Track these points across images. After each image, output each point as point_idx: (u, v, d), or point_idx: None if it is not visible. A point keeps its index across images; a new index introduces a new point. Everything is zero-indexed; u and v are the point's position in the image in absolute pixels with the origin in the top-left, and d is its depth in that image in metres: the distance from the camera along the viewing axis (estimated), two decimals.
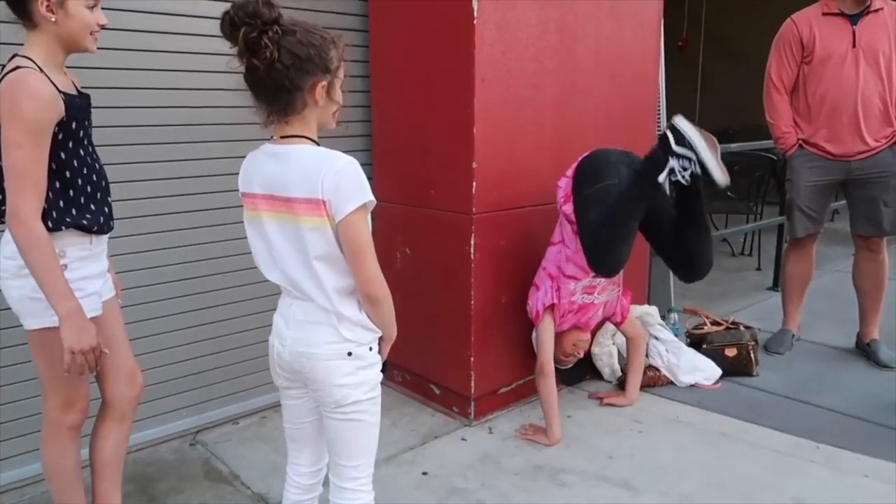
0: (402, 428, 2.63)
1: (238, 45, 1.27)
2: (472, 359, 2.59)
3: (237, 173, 1.44)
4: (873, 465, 2.31)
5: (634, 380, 2.78)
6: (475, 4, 2.34)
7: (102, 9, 1.59)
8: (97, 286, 1.67)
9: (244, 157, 1.45)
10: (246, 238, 1.47)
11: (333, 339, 1.41)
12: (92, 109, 1.68)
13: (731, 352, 3.05)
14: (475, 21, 2.35)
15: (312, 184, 1.31)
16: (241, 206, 1.45)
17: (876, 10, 2.99)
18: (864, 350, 3.27)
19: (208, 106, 2.44)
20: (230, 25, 1.27)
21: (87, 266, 1.64)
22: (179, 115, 2.40)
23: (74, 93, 1.61)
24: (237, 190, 1.44)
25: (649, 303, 3.31)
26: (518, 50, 2.50)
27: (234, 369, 2.68)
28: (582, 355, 2.71)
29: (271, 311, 2.73)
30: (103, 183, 1.68)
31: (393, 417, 2.71)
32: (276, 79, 1.29)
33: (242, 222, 1.47)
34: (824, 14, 3.04)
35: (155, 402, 2.48)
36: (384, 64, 2.80)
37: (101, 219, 1.65)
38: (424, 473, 2.29)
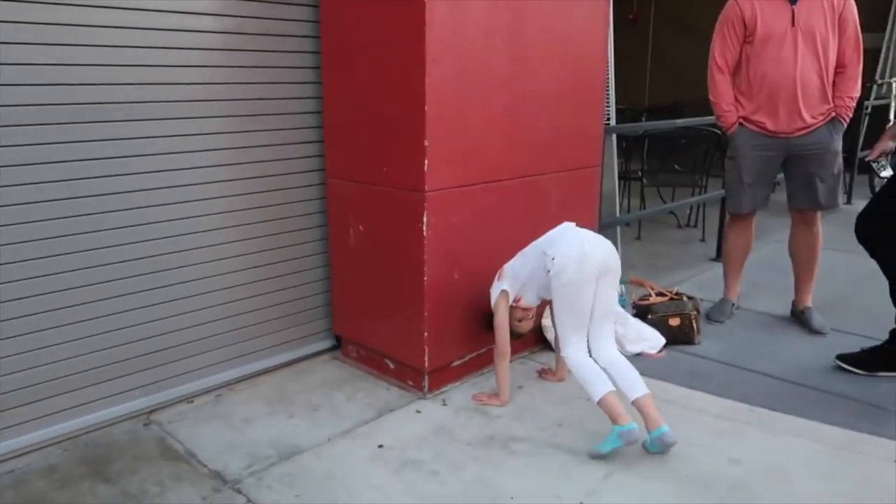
0: (358, 402, 2.67)
1: None
2: (425, 333, 2.64)
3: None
4: (804, 425, 2.46)
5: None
6: None
7: None
8: None
9: None
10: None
11: None
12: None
13: (674, 321, 3.18)
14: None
15: None
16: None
17: None
18: (799, 317, 3.45)
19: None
20: None
21: None
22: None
23: None
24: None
25: None
26: (468, 29, 2.51)
27: (188, 348, 2.68)
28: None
29: (224, 289, 2.76)
30: None
31: (348, 392, 2.75)
32: None
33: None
34: None
35: (106, 383, 2.47)
36: (335, 41, 2.78)
37: None
38: (380, 446, 2.35)
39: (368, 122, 2.69)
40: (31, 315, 2.27)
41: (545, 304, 2.81)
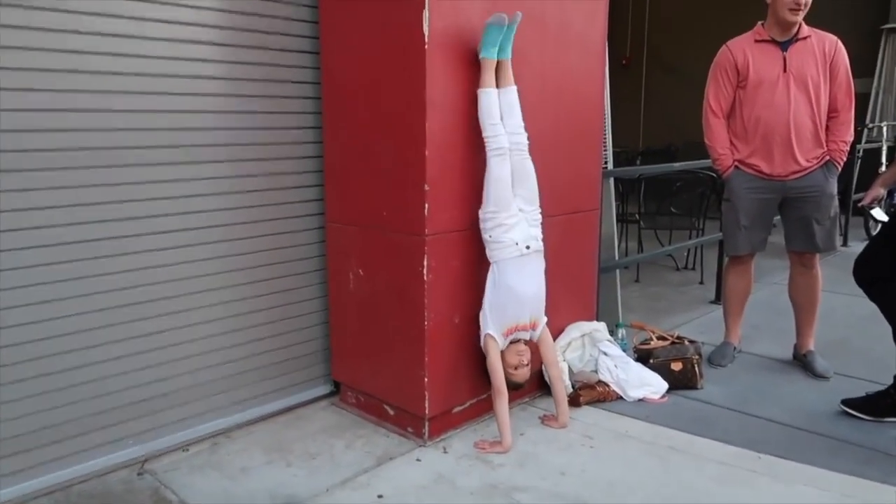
0: (357, 450, 2.62)
1: None
2: (425, 379, 2.60)
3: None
4: (812, 472, 2.41)
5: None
6: (426, 29, 2.38)
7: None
8: None
9: None
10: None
11: None
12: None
13: (676, 366, 3.15)
14: (426, 46, 2.39)
15: None
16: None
17: (804, 38, 3.15)
18: (801, 361, 3.42)
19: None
20: None
21: None
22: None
23: None
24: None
25: (598, 319, 3.38)
26: (467, 74, 2.55)
27: (183, 394, 2.63)
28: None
29: (221, 334, 2.73)
30: None
31: (347, 439, 2.70)
32: None
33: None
34: (756, 41, 3.20)
35: (99, 431, 2.42)
36: (336, 85, 2.81)
37: None
38: (380, 496, 2.29)
39: (368, 167, 2.71)
40: (20, 363, 2.23)
41: (538, 350, 2.77)
